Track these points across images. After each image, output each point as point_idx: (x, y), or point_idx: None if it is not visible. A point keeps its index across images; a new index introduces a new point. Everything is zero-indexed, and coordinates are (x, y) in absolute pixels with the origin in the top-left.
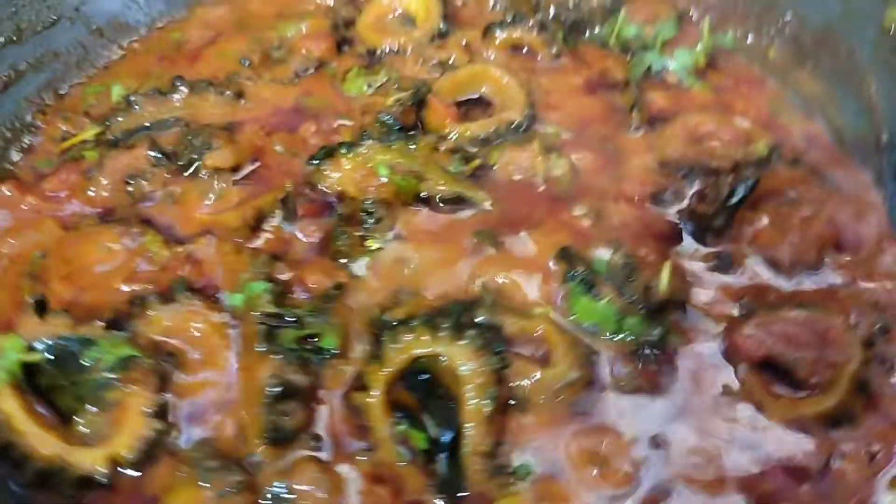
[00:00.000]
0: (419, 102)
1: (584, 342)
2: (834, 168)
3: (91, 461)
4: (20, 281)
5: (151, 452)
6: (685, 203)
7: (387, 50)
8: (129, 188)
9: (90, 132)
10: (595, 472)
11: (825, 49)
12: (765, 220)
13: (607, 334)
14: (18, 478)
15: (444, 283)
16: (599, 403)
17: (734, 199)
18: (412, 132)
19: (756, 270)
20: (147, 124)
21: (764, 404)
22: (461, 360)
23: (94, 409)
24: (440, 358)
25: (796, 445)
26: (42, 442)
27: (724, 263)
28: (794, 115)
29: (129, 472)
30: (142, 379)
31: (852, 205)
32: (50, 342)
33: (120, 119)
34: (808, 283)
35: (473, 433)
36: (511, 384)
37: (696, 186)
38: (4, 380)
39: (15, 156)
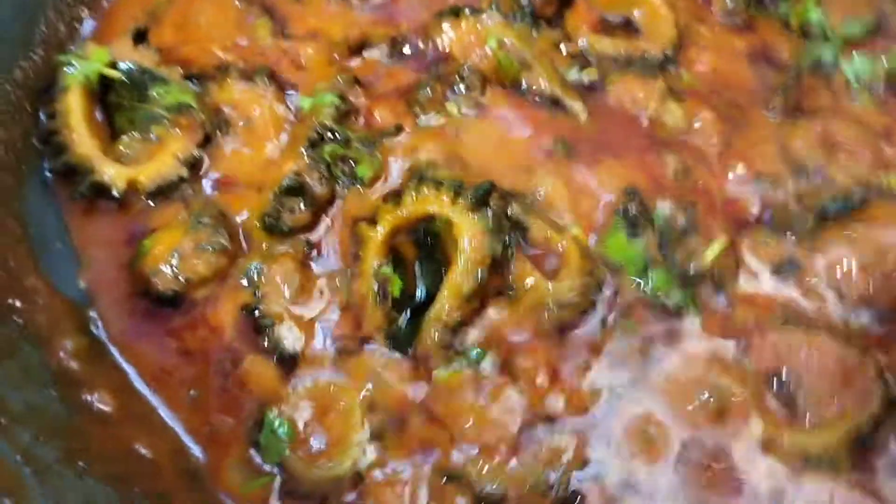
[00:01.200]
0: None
1: (601, 275)
2: None
3: (115, 175)
4: (139, 13)
5: (167, 192)
6: (780, 195)
7: None
8: None
9: None
10: (538, 392)
11: None
12: (851, 245)
13: (629, 276)
14: (51, 161)
15: (502, 169)
16: (582, 336)
17: (829, 210)
18: (543, 22)
19: (817, 290)
20: None
21: (750, 416)
22: (466, 231)
23: (139, 136)
24: (451, 224)
25: (764, 469)
26: (83, 142)
27: (789, 269)
28: None
29: (142, 200)
30: (190, 128)
31: None
32: (132, 66)
33: None
34: (866, 322)
35: (445, 301)
36: (510, 279)
37: (800, 185)
38: (79, 80)
39: None
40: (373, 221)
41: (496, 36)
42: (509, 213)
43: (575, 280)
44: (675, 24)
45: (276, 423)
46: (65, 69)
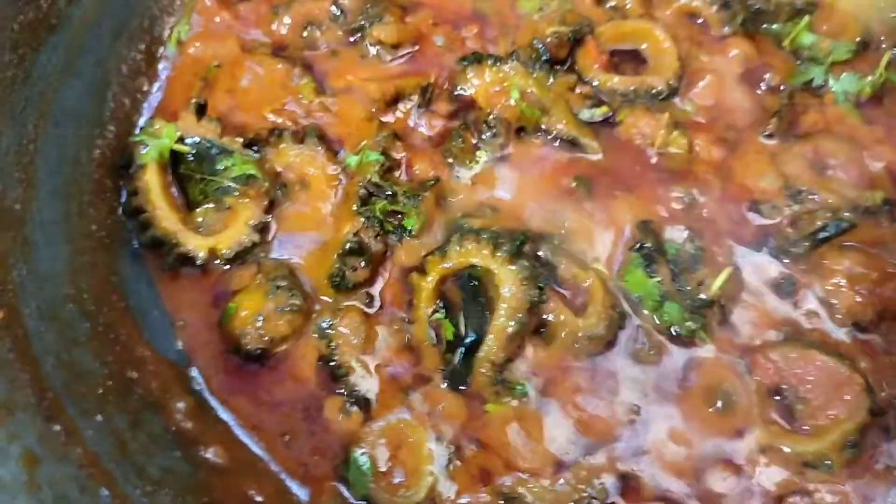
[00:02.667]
0: (576, 40)
1: (622, 308)
2: None
3: (196, 245)
4: (194, 81)
5: (243, 256)
6: (777, 219)
7: None
8: (305, 33)
9: None
10: (576, 416)
11: None
12: (844, 265)
13: (646, 310)
14: (140, 236)
15: (530, 211)
16: (609, 364)
17: (822, 235)
18: (558, 66)
19: (812, 307)
20: None
21: (754, 425)
22: (506, 281)
23: (212, 207)
24: (492, 272)
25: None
26: (165, 216)
27: (786, 289)
28: None
29: (220, 264)
30: (256, 196)
31: None
32: (198, 140)
33: None
34: (855, 336)
35: (492, 344)
36: (544, 316)
37: (794, 208)
38: (154, 157)
39: None
40: (422, 271)
41: (518, 86)
42: (540, 255)
43: (602, 314)
44: (678, 56)
45: (361, 460)
46: (140, 148)
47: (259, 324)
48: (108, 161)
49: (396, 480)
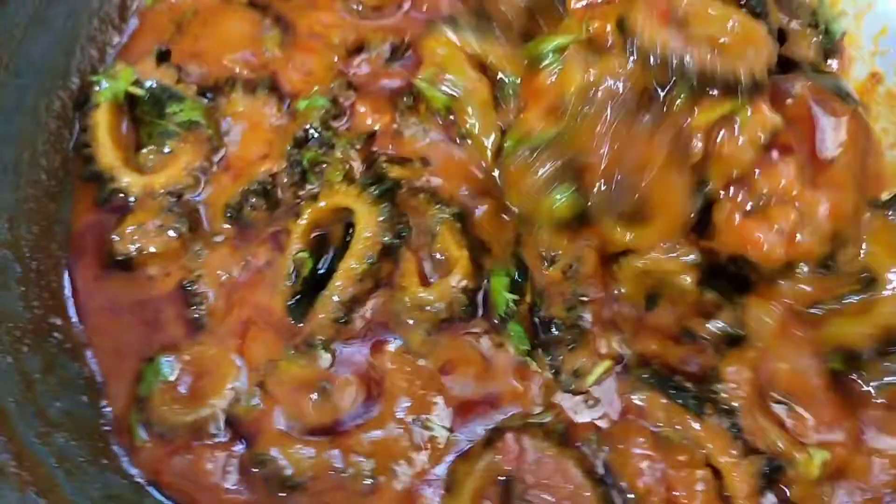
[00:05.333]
0: None
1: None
2: None
3: (130, 182)
4: (167, 26)
5: (176, 196)
6: None
7: None
8: None
9: None
10: None
11: None
12: None
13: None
14: (80, 170)
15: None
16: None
17: None
18: None
19: None
20: None
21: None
22: (363, 218)
23: (155, 149)
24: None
25: None
26: (107, 153)
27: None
28: None
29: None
30: (196, 142)
31: None
32: (154, 84)
33: None
34: None
35: (339, 280)
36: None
37: None
38: (108, 97)
39: None
40: (297, 214)
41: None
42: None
43: (444, 293)
44: None
45: (164, 365)
46: (95, 87)
47: (136, 235)
48: (67, 111)
49: (180, 394)
